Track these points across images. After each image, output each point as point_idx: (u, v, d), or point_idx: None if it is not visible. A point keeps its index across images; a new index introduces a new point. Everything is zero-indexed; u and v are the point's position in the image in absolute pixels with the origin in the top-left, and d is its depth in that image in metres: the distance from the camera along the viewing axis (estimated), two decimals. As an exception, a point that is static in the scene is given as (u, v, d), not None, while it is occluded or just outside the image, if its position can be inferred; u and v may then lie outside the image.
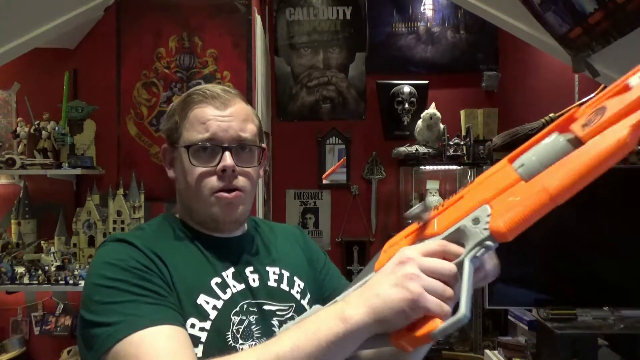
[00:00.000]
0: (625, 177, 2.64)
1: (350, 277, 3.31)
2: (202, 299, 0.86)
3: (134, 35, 2.80)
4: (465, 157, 3.07)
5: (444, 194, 3.34)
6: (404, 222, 3.36)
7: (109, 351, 0.74)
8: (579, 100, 3.09)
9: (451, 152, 3.05)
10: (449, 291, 0.61)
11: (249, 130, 0.95)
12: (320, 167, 3.44)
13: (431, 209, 0.67)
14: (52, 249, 2.54)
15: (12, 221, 2.69)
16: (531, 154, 0.60)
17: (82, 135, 2.75)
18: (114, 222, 2.61)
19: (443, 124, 3.09)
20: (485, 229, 0.60)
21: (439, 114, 3.07)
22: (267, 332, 0.89)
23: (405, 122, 3.38)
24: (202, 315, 0.85)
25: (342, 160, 3.44)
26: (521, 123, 2.83)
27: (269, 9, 3.41)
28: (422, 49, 3.41)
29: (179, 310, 0.82)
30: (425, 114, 3.09)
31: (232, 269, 0.92)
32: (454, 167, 3.19)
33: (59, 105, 2.68)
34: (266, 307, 0.92)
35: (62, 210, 2.69)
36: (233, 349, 0.85)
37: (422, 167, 3.19)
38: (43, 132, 2.61)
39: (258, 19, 2.84)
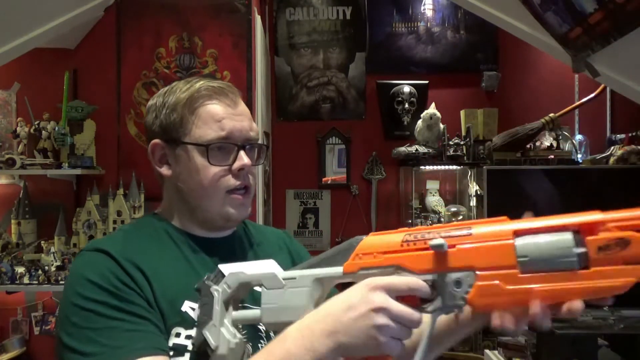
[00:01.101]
0: (625, 177, 2.64)
1: (350, 277, 3.32)
2: (186, 306, 0.84)
3: (134, 35, 2.79)
4: (465, 157, 3.07)
5: (444, 194, 3.34)
6: (403, 223, 3.37)
7: None
8: (579, 100, 3.10)
9: (451, 152, 3.05)
10: (408, 336, 0.65)
11: (255, 129, 0.96)
12: (320, 167, 3.44)
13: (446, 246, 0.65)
14: (52, 249, 2.54)
15: (12, 221, 2.69)
16: (539, 248, 0.60)
17: (82, 135, 2.75)
18: (114, 222, 2.61)
19: (443, 124, 3.09)
20: (463, 297, 0.63)
21: (439, 114, 3.07)
22: (254, 337, 0.89)
23: (405, 122, 3.37)
24: (188, 322, 0.83)
25: (342, 176, 3.43)
26: (521, 123, 2.83)
27: (269, 9, 3.41)
28: (422, 49, 3.41)
29: (161, 330, 0.80)
30: (425, 114, 3.09)
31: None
32: (454, 167, 3.18)
33: (59, 105, 2.68)
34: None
35: (62, 210, 2.69)
36: None
37: (422, 167, 3.19)
38: (43, 132, 2.61)
39: (258, 19, 2.83)
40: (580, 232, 0.59)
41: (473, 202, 3.10)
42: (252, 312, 0.77)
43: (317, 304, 0.72)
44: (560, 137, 2.85)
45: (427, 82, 3.38)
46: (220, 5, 2.75)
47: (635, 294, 1.99)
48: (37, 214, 2.74)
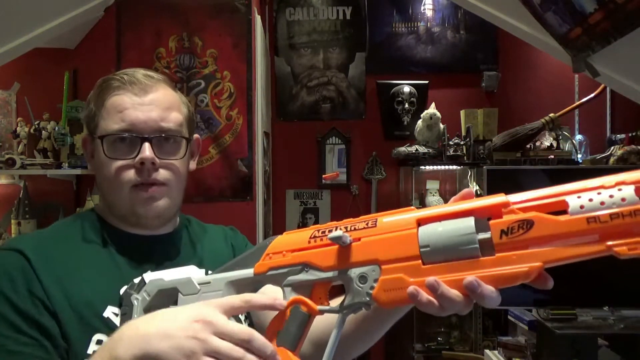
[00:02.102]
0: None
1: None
2: (109, 311, 0.80)
3: (134, 35, 2.79)
4: (465, 157, 3.07)
5: (444, 194, 3.34)
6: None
7: None
8: (579, 100, 3.10)
9: (451, 152, 3.05)
10: (238, 352, 0.57)
11: (173, 120, 0.88)
12: (320, 167, 3.44)
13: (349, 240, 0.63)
14: (52, 249, 2.54)
15: (12, 221, 2.69)
16: (440, 236, 0.57)
17: (82, 135, 2.75)
18: (114, 222, 2.61)
19: (443, 124, 3.09)
20: (368, 293, 0.60)
21: (439, 114, 3.07)
22: None
23: (405, 122, 3.38)
24: (110, 328, 0.78)
25: (335, 173, 3.42)
26: (521, 123, 2.83)
27: (269, 9, 3.41)
28: (422, 49, 3.41)
29: (56, 354, 0.76)
30: (425, 114, 3.09)
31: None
32: (454, 167, 3.19)
33: (59, 106, 2.68)
34: None
35: (62, 210, 2.69)
36: None
37: (422, 167, 3.19)
38: (43, 132, 2.61)
39: (258, 19, 2.84)
40: (488, 217, 0.56)
41: (473, 202, 3.09)
42: None
43: None
44: (560, 137, 2.85)
45: (427, 82, 3.38)
46: (220, 5, 2.75)
47: (635, 294, 1.99)
48: (37, 214, 2.74)
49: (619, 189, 0.50)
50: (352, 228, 0.63)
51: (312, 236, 0.66)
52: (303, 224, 3.44)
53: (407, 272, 0.58)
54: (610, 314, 2.09)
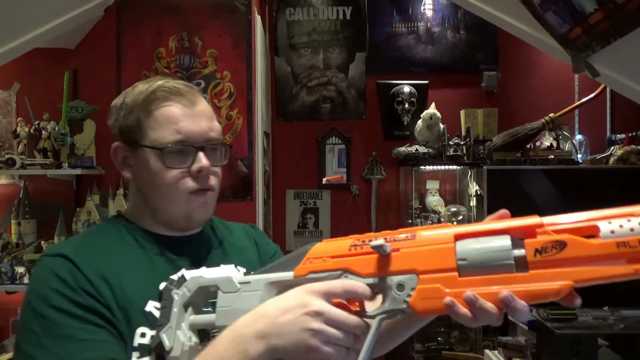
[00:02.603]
0: (625, 177, 2.64)
1: (350, 277, 3.32)
2: (150, 306, 0.85)
3: (134, 35, 2.79)
4: (465, 157, 3.07)
5: (444, 194, 3.34)
6: (403, 223, 3.37)
7: None
8: (579, 100, 3.10)
9: (451, 152, 3.05)
10: (349, 342, 0.64)
11: (217, 129, 0.94)
12: (320, 167, 3.44)
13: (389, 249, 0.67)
14: (52, 249, 2.54)
15: (12, 221, 2.69)
16: (478, 252, 0.61)
17: (82, 135, 2.75)
18: (114, 222, 2.61)
19: (443, 124, 3.09)
20: (405, 300, 0.63)
21: (439, 114, 3.07)
22: None
23: (405, 122, 3.38)
24: (152, 322, 0.83)
25: (339, 176, 3.44)
26: (521, 123, 2.83)
27: (269, 9, 3.41)
28: (422, 49, 3.41)
29: (120, 337, 0.80)
30: (425, 114, 3.09)
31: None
32: (454, 167, 3.19)
33: (59, 106, 2.68)
34: None
35: (62, 210, 2.68)
36: None
37: (422, 167, 3.19)
38: (43, 132, 2.61)
39: (258, 19, 2.84)
40: (522, 237, 0.60)
41: (473, 202, 3.10)
42: (208, 316, 0.77)
43: None
44: (560, 137, 2.85)
45: (427, 82, 3.38)
46: (220, 5, 2.75)
47: (635, 294, 1.99)
48: (37, 214, 2.74)
49: None
50: (392, 239, 0.67)
51: (353, 245, 0.69)
52: (303, 224, 3.44)
53: (444, 283, 0.61)
54: (610, 314, 2.09)
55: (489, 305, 0.59)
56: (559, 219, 0.59)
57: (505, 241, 0.60)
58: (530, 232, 0.60)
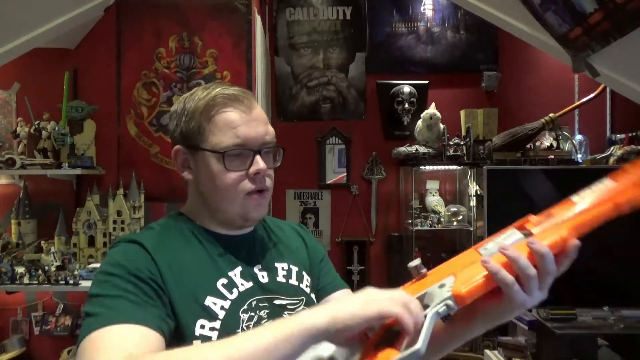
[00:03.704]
0: (625, 177, 2.64)
1: (350, 277, 3.32)
2: (209, 301, 0.89)
3: (134, 35, 2.80)
4: (465, 157, 3.07)
5: (444, 194, 3.34)
6: (403, 223, 3.36)
7: (83, 340, 0.77)
8: (579, 100, 3.10)
9: (451, 152, 3.05)
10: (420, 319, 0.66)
11: (271, 133, 1.00)
12: (320, 167, 3.44)
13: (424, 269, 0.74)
14: (52, 249, 2.54)
15: (12, 221, 2.69)
16: (492, 242, 0.73)
17: (82, 135, 2.75)
18: (114, 222, 2.61)
19: (443, 124, 3.09)
20: (448, 291, 0.68)
21: (439, 114, 3.07)
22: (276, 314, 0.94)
23: (405, 122, 3.38)
24: (211, 315, 0.88)
25: (342, 176, 3.45)
26: (521, 123, 2.83)
27: (269, 9, 3.41)
28: (422, 49, 3.41)
29: (167, 316, 0.85)
30: (425, 114, 3.09)
31: (239, 268, 0.96)
32: (454, 167, 3.19)
33: (59, 105, 2.68)
34: (277, 302, 0.96)
35: (62, 210, 2.69)
36: None
37: (422, 167, 3.19)
38: (43, 132, 2.61)
39: (258, 19, 2.84)
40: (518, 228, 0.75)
41: (473, 202, 3.10)
42: None
43: None
44: (560, 137, 2.85)
45: (427, 82, 3.38)
46: (220, 5, 2.75)
47: (635, 294, 1.99)
48: (37, 214, 2.75)
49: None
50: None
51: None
52: (303, 224, 3.43)
53: (475, 268, 0.70)
54: (610, 314, 2.08)
55: (523, 260, 0.68)
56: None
57: (509, 230, 0.74)
58: (527, 221, 0.75)
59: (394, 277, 3.32)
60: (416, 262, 0.72)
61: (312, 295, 1.02)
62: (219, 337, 0.86)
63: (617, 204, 0.73)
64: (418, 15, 3.41)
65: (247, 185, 0.96)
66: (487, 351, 2.31)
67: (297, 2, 3.43)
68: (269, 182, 1.00)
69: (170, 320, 0.84)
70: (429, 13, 3.41)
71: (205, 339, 0.86)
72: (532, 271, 0.69)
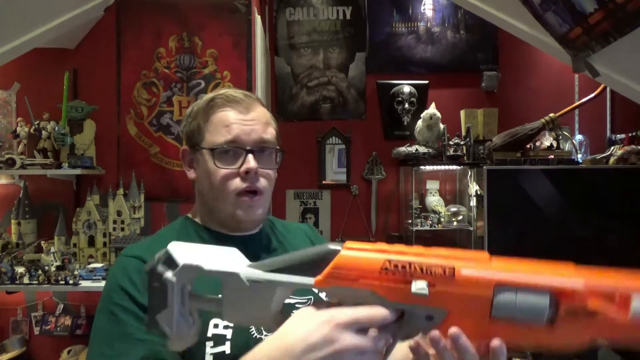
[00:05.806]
0: (625, 177, 2.64)
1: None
2: None
3: (134, 35, 2.80)
4: (465, 157, 3.07)
5: (444, 194, 3.34)
6: (403, 223, 3.36)
7: None
8: (579, 100, 3.10)
9: (451, 152, 3.04)
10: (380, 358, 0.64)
11: (270, 133, 0.99)
12: (320, 167, 3.44)
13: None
14: (52, 249, 2.54)
15: (12, 221, 2.69)
16: (514, 308, 0.61)
17: (82, 135, 2.75)
18: (114, 222, 2.61)
19: (443, 124, 3.09)
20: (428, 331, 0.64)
21: (439, 114, 3.07)
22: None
23: (405, 122, 3.37)
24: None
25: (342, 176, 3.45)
26: (521, 123, 2.83)
27: (269, 9, 3.41)
28: (422, 49, 3.41)
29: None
30: (425, 114, 3.09)
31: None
32: (454, 167, 3.18)
33: (58, 105, 2.68)
34: (285, 301, 0.94)
35: (62, 210, 2.69)
36: (259, 340, 0.86)
37: (422, 167, 3.19)
38: (43, 132, 2.61)
39: (258, 19, 2.84)
40: (561, 294, 0.61)
41: (473, 202, 3.10)
42: (215, 306, 0.72)
43: (280, 310, 0.71)
44: (560, 137, 2.85)
45: (427, 82, 3.38)
46: (220, 5, 2.75)
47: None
48: (37, 214, 2.75)
49: None
50: (428, 272, 0.64)
51: (384, 267, 0.65)
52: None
53: (471, 324, 0.62)
54: (610, 314, 2.08)
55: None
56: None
57: (544, 300, 0.60)
58: (570, 294, 0.60)
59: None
60: (422, 285, 0.64)
61: (321, 294, 1.00)
62: (233, 334, 0.87)
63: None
64: (418, 15, 3.41)
65: (238, 183, 0.96)
66: (487, 351, 2.31)
67: (297, 2, 3.43)
68: (263, 183, 0.99)
69: None
70: (429, 13, 3.41)
71: (220, 338, 0.86)
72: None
